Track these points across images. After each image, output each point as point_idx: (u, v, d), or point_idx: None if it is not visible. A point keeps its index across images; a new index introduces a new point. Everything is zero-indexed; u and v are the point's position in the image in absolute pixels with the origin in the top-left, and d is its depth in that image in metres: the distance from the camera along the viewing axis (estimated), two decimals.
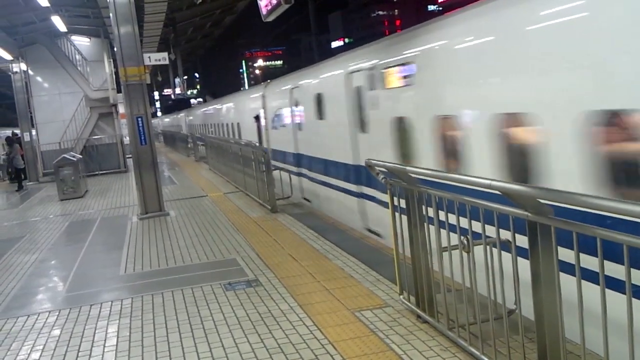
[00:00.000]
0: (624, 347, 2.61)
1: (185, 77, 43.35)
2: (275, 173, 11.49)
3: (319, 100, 10.71)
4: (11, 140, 21.10)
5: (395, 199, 4.73)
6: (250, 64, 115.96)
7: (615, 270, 2.92)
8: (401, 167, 4.50)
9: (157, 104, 78.42)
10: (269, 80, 16.60)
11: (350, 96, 9.08)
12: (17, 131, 23.70)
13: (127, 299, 6.23)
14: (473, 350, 3.87)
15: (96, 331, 5.39)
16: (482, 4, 5.78)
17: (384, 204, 7.39)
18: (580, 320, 2.86)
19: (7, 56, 21.63)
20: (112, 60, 23.27)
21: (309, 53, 74.56)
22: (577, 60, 4.32)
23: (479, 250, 3.64)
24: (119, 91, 20.35)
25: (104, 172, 23.13)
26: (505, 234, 3.38)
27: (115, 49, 12.04)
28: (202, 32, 36.02)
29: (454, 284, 4.23)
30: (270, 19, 9.28)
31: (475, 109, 5.75)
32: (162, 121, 63.88)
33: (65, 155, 17.03)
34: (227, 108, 23.74)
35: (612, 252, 2.70)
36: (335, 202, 10.31)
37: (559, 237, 2.96)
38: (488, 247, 3.58)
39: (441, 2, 74.85)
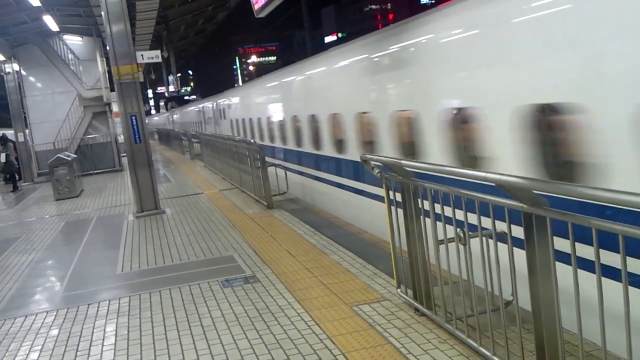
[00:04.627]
0: (621, 336, 2.62)
1: (179, 74, 43.30)
2: (270, 169, 11.57)
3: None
4: (5, 139, 21.02)
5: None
6: (243, 60, 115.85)
7: (611, 260, 2.93)
8: (396, 161, 4.51)
9: (151, 102, 78.27)
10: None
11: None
12: (7, 132, 23.49)
13: (125, 298, 6.23)
14: (471, 342, 3.89)
15: (94, 330, 5.39)
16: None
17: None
18: (577, 310, 2.87)
19: None
20: (105, 58, 23.17)
21: (302, 48, 74.43)
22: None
23: (475, 243, 3.65)
24: (112, 90, 20.30)
25: (99, 171, 23.05)
26: (501, 225, 3.39)
27: (107, 48, 12.00)
28: (194, 29, 35.94)
29: (451, 277, 4.24)
30: (263, 14, 9.28)
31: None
32: (152, 120, 64.86)
33: (59, 155, 16.96)
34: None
35: (608, 241, 2.71)
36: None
37: (556, 227, 2.97)
38: (484, 239, 3.59)
39: None
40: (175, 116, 47.05)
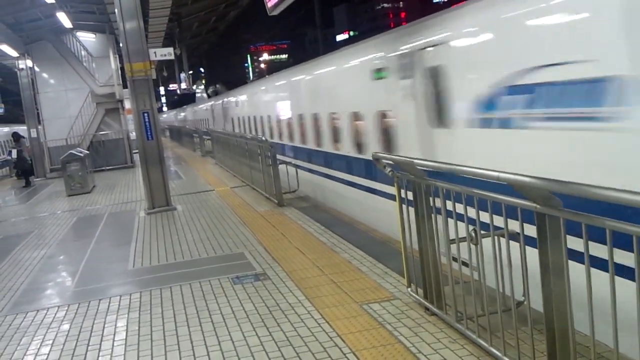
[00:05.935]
0: (633, 338, 2.60)
1: (191, 72, 43.32)
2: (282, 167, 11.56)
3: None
4: (18, 136, 21.20)
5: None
6: (255, 58, 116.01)
7: (621, 257, 2.89)
8: (409, 160, 4.48)
9: (163, 99, 78.45)
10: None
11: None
12: (19, 128, 23.72)
13: (136, 294, 6.25)
14: (481, 342, 3.87)
15: (105, 325, 5.42)
16: None
17: None
18: (590, 311, 2.84)
19: (13, 53, 21.66)
20: (117, 55, 23.26)
21: (314, 46, 74.44)
22: None
23: (487, 242, 3.63)
24: (125, 87, 20.39)
25: (111, 167, 23.17)
26: (514, 224, 3.37)
27: (120, 45, 12.06)
28: (207, 26, 36.00)
29: (462, 276, 4.23)
30: (275, 12, 9.27)
31: None
32: (178, 116, 64.05)
33: (72, 151, 17.09)
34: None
35: (625, 241, 2.68)
36: None
37: (568, 225, 2.95)
38: (496, 238, 3.57)
39: None
40: (222, 107, 27.40)
